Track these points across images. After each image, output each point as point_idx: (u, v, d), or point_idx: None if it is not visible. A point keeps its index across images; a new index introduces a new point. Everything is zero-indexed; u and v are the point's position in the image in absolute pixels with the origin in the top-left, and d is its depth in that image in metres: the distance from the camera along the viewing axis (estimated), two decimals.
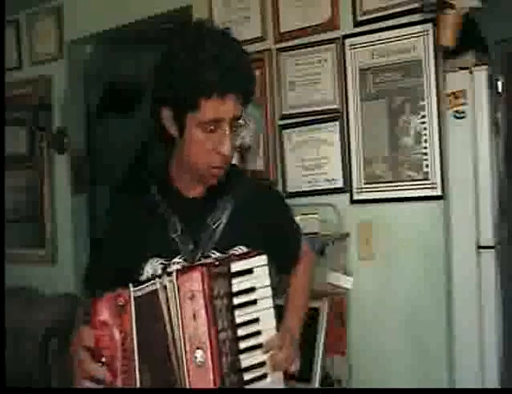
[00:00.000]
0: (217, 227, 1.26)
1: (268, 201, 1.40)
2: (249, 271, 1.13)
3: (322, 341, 2.26)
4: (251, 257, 1.14)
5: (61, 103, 3.55)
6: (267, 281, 1.15)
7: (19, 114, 3.73)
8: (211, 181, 1.27)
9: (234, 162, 1.45)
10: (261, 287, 1.14)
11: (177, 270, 1.13)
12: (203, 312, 1.09)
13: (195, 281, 1.09)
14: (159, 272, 1.22)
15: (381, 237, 2.42)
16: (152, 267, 1.24)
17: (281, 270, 1.44)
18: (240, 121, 1.26)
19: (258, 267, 1.14)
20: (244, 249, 1.26)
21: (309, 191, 2.60)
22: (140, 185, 1.35)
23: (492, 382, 2.08)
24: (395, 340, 2.38)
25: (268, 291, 1.15)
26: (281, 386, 1.20)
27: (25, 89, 3.67)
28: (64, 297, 3.35)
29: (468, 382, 2.11)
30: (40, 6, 3.59)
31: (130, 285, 1.10)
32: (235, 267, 1.12)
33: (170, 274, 1.11)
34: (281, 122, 2.68)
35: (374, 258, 2.44)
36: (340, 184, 2.52)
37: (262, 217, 1.33)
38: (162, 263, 1.23)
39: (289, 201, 2.55)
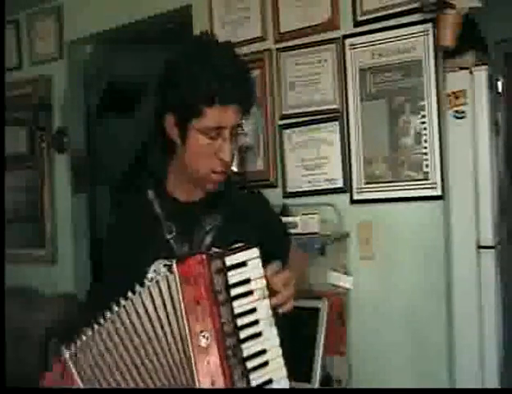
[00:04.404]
0: (210, 230, 1.32)
1: (259, 205, 1.47)
2: (243, 264, 1.18)
3: (322, 341, 2.27)
4: (243, 250, 1.19)
5: (61, 103, 3.55)
6: (261, 272, 1.19)
7: (19, 114, 3.73)
8: (211, 187, 1.33)
9: (234, 163, 1.48)
10: (255, 278, 1.18)
11: (177, 259, 1.17)
12: (205, 295, 1.13)
13: (195, 266, 1.14)
14: (162, 271, 1.24)
15: (381, 237, 2.42)
16: (156, 268, 1.28)
17: None
18: (239, 129, 1.31)
19: (251, 259, 1.19)
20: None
21: (309, 191, 2.60)
22: (138, 189, 1.41)
23: (492, 382, 2.08)
24: (395, 340, 2.38)
25: (263, 282, 1.20)
26: (287, 386, 1.22)
27: (25, 89, 3.66)
28: (64, 297, 3.35)
29: (468, 382, 2.11)
30: (40, 7, 3.59)
31: (63, 348, 1.18)
32: (230, 260, 1.17)
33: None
34: (281, 122, 2.68)
35: (374, 258, 2.44)
36: (340, 184, 2.52)
37: (254, 220, 1.39)
38: (165, 265, 1.26)
39: (289, 201, 2.59)
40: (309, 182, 2.60)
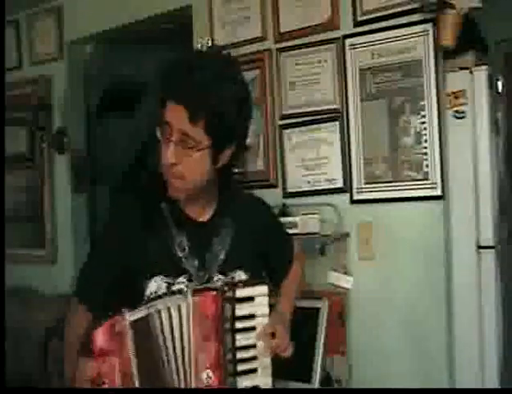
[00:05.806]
0: (220, 250, 1.31)
1: (265, 220, 1.48)
2: (251, 298, 1.21)
3: (322, 341, 2.26)
4: (254, 285, 1.23)
5: (61, 102, 3.55)
6: (266, 311, 1.23)
7: (19, 114, 3.73)
8: (173, 194, 1.28)
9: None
10: (260, 315, 1.22)
11: (194, 290, 1.17)
12: (214, 335, 1.15)
13: (210, 305, 1.15)
14: (162, 289, 1.24)
15: (381, 237, 2.42)
16: (156, 284, 1.25)
17: (278, 279, 1.50)
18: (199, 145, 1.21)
19: (259, 296, 1.22)
20: (242, 273, 1.32)
21: (309, 191, 2.60)
22: (151, 199, 1.34)
23: (492, 382, 2.08)
24: (394, 340, 2.38)
25: (266, 320, 1.23)
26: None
27: (25, 89, 3.66)
28: (64, 297, 3.35)
29: (468, 382, 2.11)
30: (40, 6, 3.59)
31: (125, 310, 1.11)
32: (240, 293, 1.20)
33: (173, 293, 1.17)
34: (281, 122, 2.68)
35: (374, 258, 2.44)
36: (340, 184, 2.52)
37: (261, 237, 1.41)
38: (166, 282, 1.25)
39: (289, 201, 2.59)
40: (309, 182, 2.60)
